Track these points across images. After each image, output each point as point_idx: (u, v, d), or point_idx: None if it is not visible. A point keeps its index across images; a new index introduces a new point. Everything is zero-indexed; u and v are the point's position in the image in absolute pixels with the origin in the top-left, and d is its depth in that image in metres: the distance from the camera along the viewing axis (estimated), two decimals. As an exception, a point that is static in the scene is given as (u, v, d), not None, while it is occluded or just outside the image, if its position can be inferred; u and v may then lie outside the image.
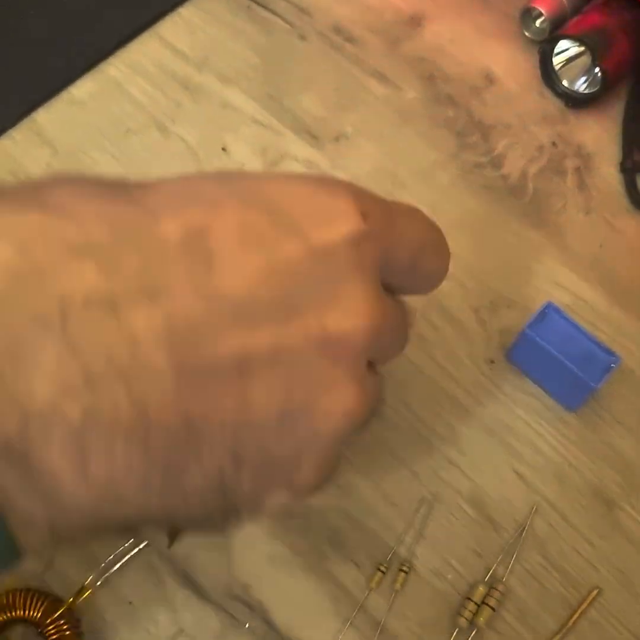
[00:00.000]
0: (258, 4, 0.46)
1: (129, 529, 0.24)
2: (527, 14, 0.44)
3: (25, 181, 0.23)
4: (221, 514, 0.24)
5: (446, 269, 0.29)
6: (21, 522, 0.20)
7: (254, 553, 0.33)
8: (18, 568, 0.22)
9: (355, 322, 0.23)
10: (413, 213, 0.27)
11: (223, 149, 0.42)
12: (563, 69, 0.43)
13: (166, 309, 0.20)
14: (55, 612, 0.30)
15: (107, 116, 0.42)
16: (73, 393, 0.19)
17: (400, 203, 0.27)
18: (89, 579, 0.32)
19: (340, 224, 0.23)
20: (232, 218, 0.22)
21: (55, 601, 0.31)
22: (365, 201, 0.24)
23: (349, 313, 0.23)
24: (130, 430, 0.20)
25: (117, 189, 0.22)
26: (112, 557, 0.32)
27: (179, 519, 0.24)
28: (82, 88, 0.43)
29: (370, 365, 0.26)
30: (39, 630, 0.30)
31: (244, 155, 0.41)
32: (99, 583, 0.32)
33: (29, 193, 0.21)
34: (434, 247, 0.28)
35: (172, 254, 0.21)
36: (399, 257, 0.26)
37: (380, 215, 0.25)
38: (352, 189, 0.24)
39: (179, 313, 0.21)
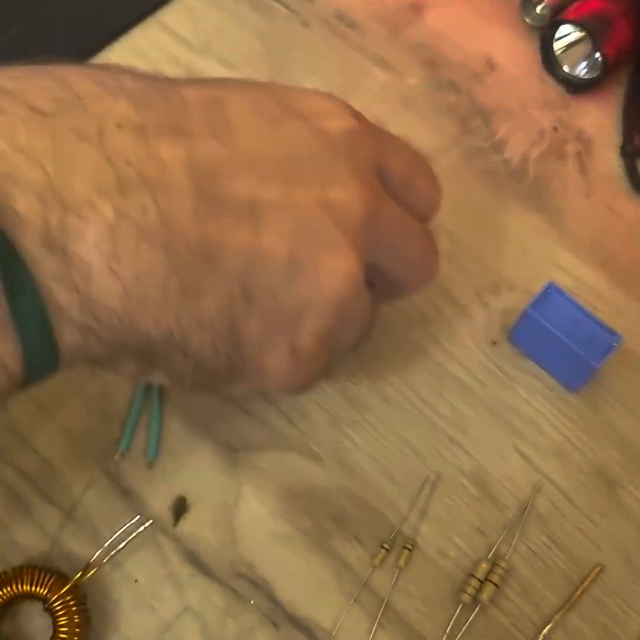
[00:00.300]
0: (260, -10, 0.46)
1: (146, 357, 0.24)
2: (528, 0, 0.44)
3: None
4: (227, 362, 0.26)
5: (438, 196, 0.32)
6: (58, 316, 0.22)
7: (259, 531, 0.33)
8: (52, 375, 0.24)
9: (353, 194, 0.26)
10: (401, 140, 0.31)
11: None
12: (564, 54, 0.43)
13: (189, 146, 0.23)
14: (62, 589, 0.30)
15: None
16: (107, 194, 0.21)
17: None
18: (94, 557, 0.32)
19: (336, 118, 0.27)
20: (245, 96, 0.26)
21: (61, 578, 0.31)
22: (355, 111, 0.29)
23: (349, 188, 0.26)
24: (155, 236, 0.22)
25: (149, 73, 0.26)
26: (117, 535, 0.32)
27: (190, 353, 0.25)
28: (86, 73, 0.43)
29: (371, 287, 0.28)
30: (45, 606, 0.30)
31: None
32: (105, 561, 0.32)
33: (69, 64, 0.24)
34: (422, 170, 0.31)
35: (193, 110, 0.24)
36: (391, 168, 0.29)
37: (369, 123, 0.29)
38: (345, 101, 0.29)
39: (200, 151, 0.24)
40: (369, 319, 0.30)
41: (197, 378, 0.27)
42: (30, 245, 0.21)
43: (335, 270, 0.26)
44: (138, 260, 0.22)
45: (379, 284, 0.30)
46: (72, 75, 0.23)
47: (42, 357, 0.22)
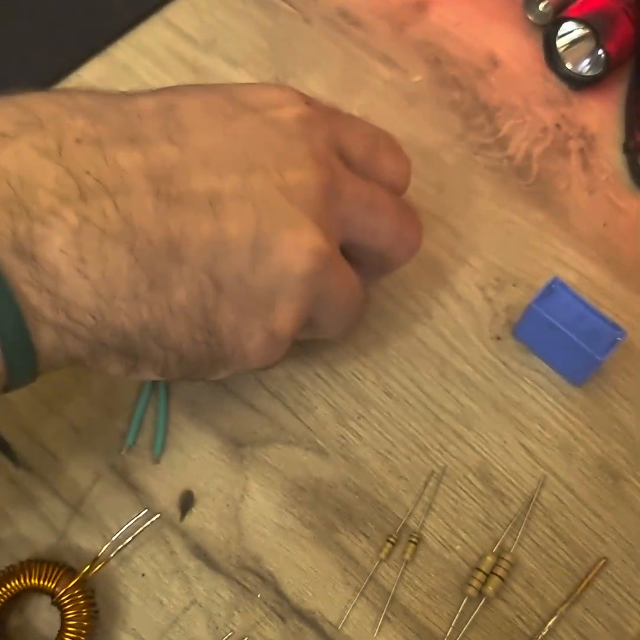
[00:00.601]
0: (264, -12, 0.46)
1: (128, 352, 0.25)
2: (531, -2, 0.44)
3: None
4: (207, 350, 0.27)
5: (405, 168, 0.32)
6: (33, 318, 0.23)
7: (265, 525, 0.33)
8: (34, 379, 0.25)
9: (309, 174, 0.27)
10: (359, 119, 0.32)
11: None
12: (567, 51, 0.43)
13: (145, 151, 0.25)
14: (70, 583, 0.30)
15: (115, 99, 0.43)
16: (70, 202, 0.23)
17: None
18: (102, 551, 0.32)
19: (288, 106, 0.28)
20: (197, 99, 0.27)
21: (69, 572, 0.31)
22: (309, 97, 0.30)
23: (304, 169, 0.27)
24: (118, 236, 0.24)
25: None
26: (124, 529, 0.32)
27: (169, 346, 0.26)
28: (91, 71, 0.43)
29: (357, 265, 0.29)
30: (53, 600, 0.30)
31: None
32: (112, 555, 0.32)
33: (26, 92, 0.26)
34: (385, 145, 0.32)
35: (147, 117, 0.26)
36: (351, 147, 0.30)
37: (324, 107, 0.30)
38: (298, 90, 0.30)
39: (156, 154, 0.25)
40: (355, 297, 0.30)
41: (183, 369, 0.27)
42: (1, 252, 0.22)
43: (299, 246, 0.26)
44: (103, 259, 0.24)
45: (363, 260, 0.31)
46: (33, 100, 0.25)
47: (21, 357, 0.24)
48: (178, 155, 0.25)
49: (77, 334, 0.24)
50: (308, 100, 0.29)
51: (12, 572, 0.30)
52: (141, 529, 0.32)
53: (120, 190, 0.24)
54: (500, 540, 0.33)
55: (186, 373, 0.28)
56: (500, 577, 0.32)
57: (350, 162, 0.30)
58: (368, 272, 0.32)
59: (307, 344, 0.36)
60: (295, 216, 0.26)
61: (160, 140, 0.25)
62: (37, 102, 0.25)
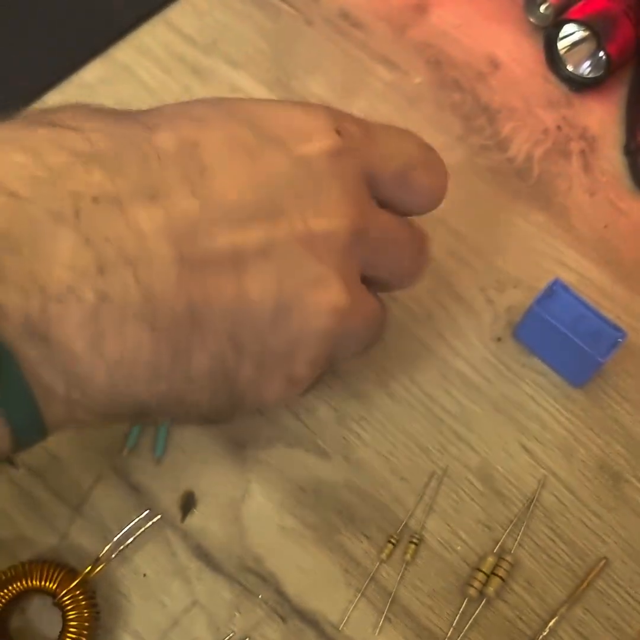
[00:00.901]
0: (265, -10, 0.46)
1: (143, 414, 0.25)
2: (532, 0, 0.45)
3: (34, 108, 0.26)
4: (228, 402, 0.26)
5: (443, 186, 0.30)
6: (45, 396, 0.22)
7: (266, 526, 0.33)
8: (41, 441, 0.24)
9: (335, 221, 0.25)
10: (399, 132, 0.29)
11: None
12: (568, 53, 0.43)
13: (166, 208, 0.23)
14: (71, 583, 0.31)
15: (116, 100, 0.42)
16: (87, 278, 0.21)
17: (385, 124, 0.29)
18: (103, 552, 0.32)
19: (317, 139, 0.26)
20: (220, 132, 0.25)
21: (70, 572, 0.31)
22: (341, 120, 0.27)
23: (330, 214, 0.25)
24: (139, 312, 0.22)
25: (120, 112, 0.25)
26: (126, 530, 0.32)
27: (188, 404, 0.25)
28: (92, 72, 0.43)
29: (369, 284, 0.28)
30: (55, 600, 0.30)
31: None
32: (113, 556, 0.32)
33: (38, 115, 0.24)
34: (424, 162, 0.29)
35: (169, 162, 0.23)
36: (385, 170, 0.28)
37: (358, 132, 0.27)
38: (328, 110, 0.27)
39: (178, 211, 0.23)
40: (376, 323, 0.29)
41: (202, 419, 0.27)
42: (13, 333, 0.21)
43: (321, 307, 0.25)
44: (123, 339, 0.22)
45: (373, 284, 0.30)
46: (44, 145, 0.22)
47: (29, 432, 0.23)
48: (200, 210, 0.23)
49: (90, 408, 0.23)
50: (339, 126, 0.26)
51: (13, 573, 0.30)
52: (142, 529, 0.32)
53: (142, 259, 0.22)
54: (501, 540, 0.33)
55: (205, 420, 0.28)
56: (501, 577, 0.32)
57: (379, 186, 0.28)
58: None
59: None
60: (318, 272, 0.25)
61: (181, 192, 0.23)
62: (49, 150, 0.22)
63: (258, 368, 0.26)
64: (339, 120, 0.27)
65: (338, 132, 0.26)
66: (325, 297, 0.25)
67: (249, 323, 0.24)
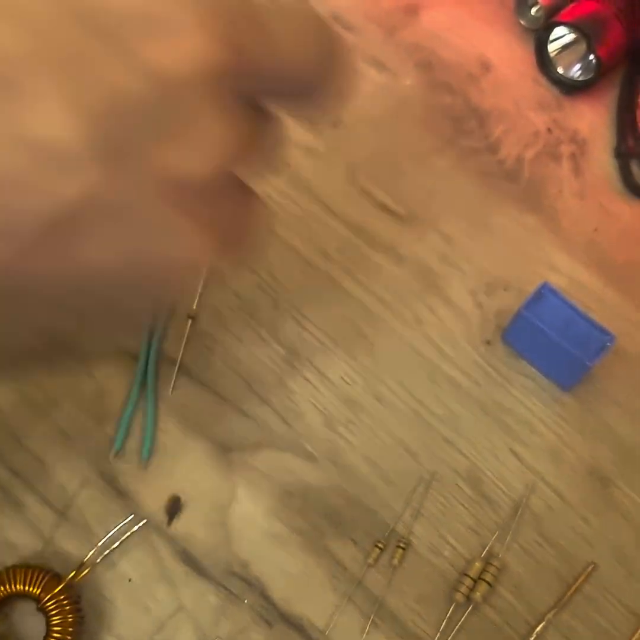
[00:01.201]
0: (256, -8, 0.46)
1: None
2: (523, 3, 0.44)
3: None
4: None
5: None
6: None
7: (253, 531, 0.33)
8: None
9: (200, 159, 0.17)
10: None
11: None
12: (558, 56, 0.43)
13: None
14: (55, 588, 0.30)
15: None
16: None
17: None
18: (88, 557, 0.32)
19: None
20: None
21: (55, 577, 0.31)
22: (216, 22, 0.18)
23: (195, 151, 0.17)
24: None
25: None
26: (111, 534, 0.32)
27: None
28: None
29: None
30: (39, 605, 0.30)
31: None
32: (98, 561, 0.32)
33: None
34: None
35: None
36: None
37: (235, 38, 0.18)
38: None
39: None
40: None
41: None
42: None
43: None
44: None
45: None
46: None
47: None
48: (27, 162, 0.16)
49: None
50: (219, 34, 0.16)
51: (-3, 578, 0.30)
52: (128, 534, 0.32)
53: None
54: (489, 545, 0.33)
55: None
56: (488, 582, 0.32)
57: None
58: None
59: (296, 348, 0.36)
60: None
61: None
62: None
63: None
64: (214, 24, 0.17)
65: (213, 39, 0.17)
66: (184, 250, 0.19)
67: None
